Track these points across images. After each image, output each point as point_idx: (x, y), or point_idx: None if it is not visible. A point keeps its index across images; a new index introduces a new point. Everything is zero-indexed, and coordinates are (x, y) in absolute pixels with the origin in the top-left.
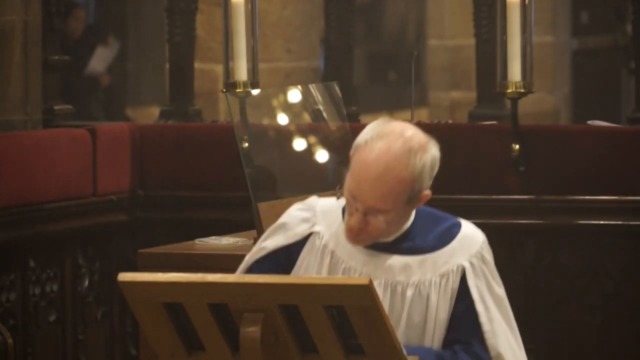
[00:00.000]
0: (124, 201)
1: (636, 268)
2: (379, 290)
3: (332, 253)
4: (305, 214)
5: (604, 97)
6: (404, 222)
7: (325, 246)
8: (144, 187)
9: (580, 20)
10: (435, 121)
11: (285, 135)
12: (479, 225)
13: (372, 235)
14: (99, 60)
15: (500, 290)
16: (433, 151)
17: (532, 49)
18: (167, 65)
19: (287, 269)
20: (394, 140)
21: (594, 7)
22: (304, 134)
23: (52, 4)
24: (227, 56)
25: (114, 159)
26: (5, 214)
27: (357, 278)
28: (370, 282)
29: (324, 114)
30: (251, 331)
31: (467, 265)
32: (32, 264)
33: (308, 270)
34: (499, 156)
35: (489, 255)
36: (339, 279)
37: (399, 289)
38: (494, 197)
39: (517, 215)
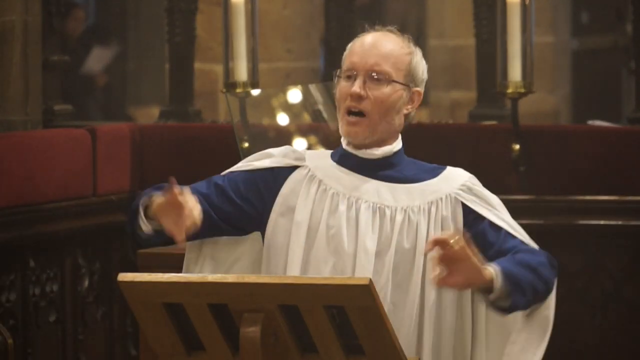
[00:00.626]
0: (124, 201)
1: (636, 268)
2: (369, 213)
3: (320, 181)
4: (293, 152)
5: (604, 97)
6: (396, 121)
7: (312, 175)
8: (144, 187)
9: (580, 20)
10: (436, 121)
11: (285, 135)
12: None
13: (369, 110)
14: (96, 61)
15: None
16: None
17: (532, 49)
18: (167, 65)
19: (271, 189)
20: (386, 31)
21: (594, 7)
22: (304, 134)
23: (52, 4)
24: (227, 56)
25: (114, 159)
26: (5, 214)
27: (357, 278)
28: (371, 282)
29: (324, 114)
30: (251, 331)
31: (458, 192)
32: (32, 264)
33: (293, 196)
34: (499, 156)
35: (478, 185)
36: (339, 279)
37: (388, 213)
38: None
39: (517, 215)
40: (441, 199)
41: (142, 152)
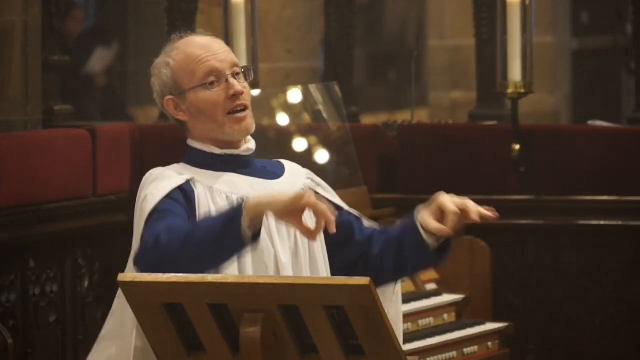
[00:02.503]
0: (124, 201)
1: (636, 268)
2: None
3: (210, 187)
4: (169, 171)
5: (604, 97)
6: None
7: (210, 187)
8: None
9: (580, 20)
10: (436, 121)
11: (285, 136)
12: (479, 225)
13: (248, 102)
14: (98, 61)
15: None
16: None
17: (532, 49)
18: None
19: (186, 208)
20: (188, 36)
21: (594, 7)
22: (304, 134)
23: (52, 4)
24: None
25: (114, 159)
26: (5, 214)
27: (357, 278)
28: (371, 282)
29: (324, 114)
30: (251, 331)
31: (308, 182)
32: (32, 264)
33: (203, 207)
34: (499, 156)
35: (313, 175)
36: (339, 279)
37: None
38: (494, 197)
39: (517, 216)
40: (302, 189)
41: (142, 152)
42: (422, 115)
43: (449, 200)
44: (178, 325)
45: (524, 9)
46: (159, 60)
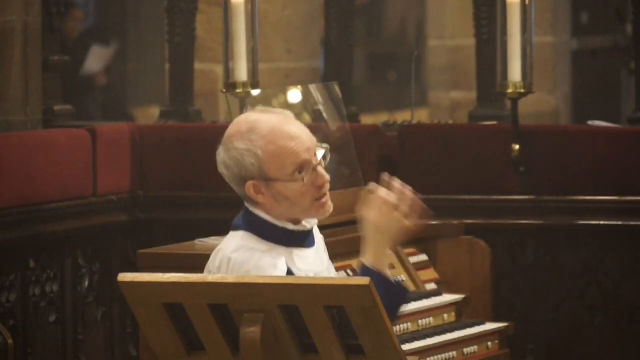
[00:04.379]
0: (124, 201)
1: (636, 268)
2: None
3: (299, 269)
4: (261, 255)
5: (604, 97)
6: None
7: (299, 269)
8: (144, 187)
9: (580, 20)
10: (436, 121)
11: None
12: (479, 225)
13: (329, 191)
14: (95, 60)
15: None
16: None
17: (532, 49)
18: (167, 66)
19: None
20: (261, 117)
21: (594, 8)
22: None
23: (52, 4)
24: (227, 56)
25: (114, 159)
26: (5, 214)
27: (357, 278)
28: (371, 282)
29: (324, 114)
30: (251, 331)
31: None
32: (32, 264)
33: None
34: (499, 157)
35: None
36: (339, 279)
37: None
38: (494, 197)
39: (517, 216)
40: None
41: (142, 152)
42: (422, 115)
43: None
44: (178, 325)
45: (524, 9)
46: (240, 146)
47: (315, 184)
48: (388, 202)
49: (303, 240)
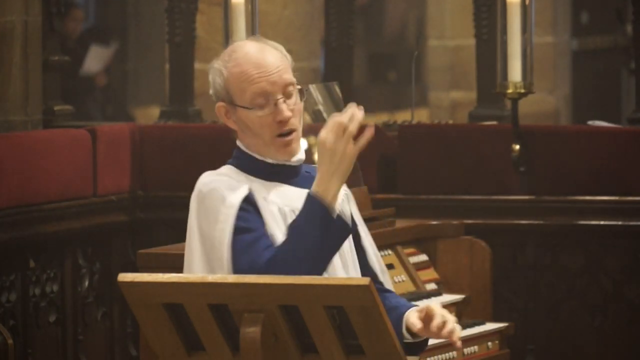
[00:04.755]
0: (124, 201)
1: (636, 268)
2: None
3: (273, 202)
4: (225, 177)
5: (604, 97)
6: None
7: (264, 198)
8: (144, 187)
9: (580, 20)
10: (436, 121)
11: None
12: (479, 225)
13: (296, 127)
14: (94, 60)
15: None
16: None
17: (532, 49)
18: (167, 66)
19: (259, 214)
20: (245, 44)
21: (594, 8)
22: (304, 134)
23: (52, 4)
24: None
25: (114, 159)
26: (5, 214)
27: (357, 278)
28: (371, 282)
29: (324, 114)
30: (251, 331)
31: (348, 192)
32: (32, 264)
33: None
34: (499, 156)
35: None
36: (339, 279)
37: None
38: (494, 197)
39: (517, 216)
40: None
41: (142, 152)
42: (422, 115)
43: (438, 309)
44: (178, 325)
45: (524, 9)
46: (215, 65)
47: (275, 119)
48: (342, 123)
49: (284, 175)
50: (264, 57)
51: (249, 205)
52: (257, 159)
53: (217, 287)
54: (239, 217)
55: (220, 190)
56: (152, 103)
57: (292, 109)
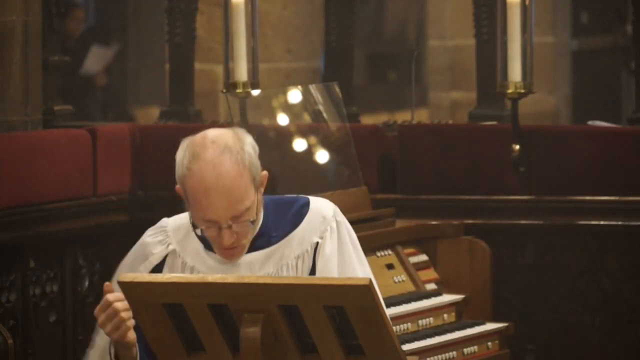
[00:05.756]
0: (124, 201)
1: (636, 268)
2: None
3: (192, 268)
4: (159, 237)
5: (604, 97)
6: (259, 209)
7: (184, 263)
8: (144, 187)
9: (580, 20)
10: (436, 121)
11: (285, 136)
12: (479, 225)
13: (244, 243)
14: (94, 60)
15: (356, 246)
16: (244, 137)
17: (532, 49)
18: (167, 66)
19: None
20: (208, 151)
21: (594, 8)
22: (304, 134)
23: (52, 4)
24: (227, 56)
25: (114, 159)
26: (5, 214)
27: (357, 278)
28: (370, 282)
29: (324, 114)
30: (251, 331)
31: (319, 240)
32: (32, 264)
33: None
34: (499, 156)
35: (340, 225)
36: (339, 279)
37: None
38: (494, 197)
39: (517, 216)
40: (307, 250)
41: (142, 152)
42: (422, 115)
43: None
44: (178, 325)
45: (524, 9)
46: (179, 155)
47: (210, 234)
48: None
49: None
50: (219, 184)
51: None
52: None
53: (217, 287)
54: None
55: (136, 253)
56: (152, 103)
57: (238, 231)
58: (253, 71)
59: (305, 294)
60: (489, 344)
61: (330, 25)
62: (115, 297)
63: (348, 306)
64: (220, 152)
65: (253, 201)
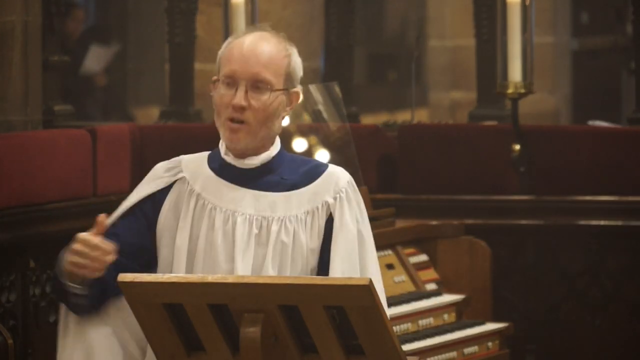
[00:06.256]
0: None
1: (636, 268)
2: (245, 225)
3: (198, 195)
4: (170, 165)
5: (604, 97)
6: (275, 126)
7: (191, 190)
8: None
9: (581, 20)
10: (436, 121)
11: (285, 136)
12: (479, 225)
13: (250, 121)
14: (94, 60)
15: (362, 227)
16: (294, 48)
17: (532, 49)
18: (167, 66)
19: (152, 218)
20: (261, 32)
21: (594, 8)
22: (304, 134)
23: (52, 4)
24: None
25: (114, 159)
26: (5, 214)
27: (357, 278)
28: (371, 282)
29: (324, 114)
30: (251, 331)
31: (331, 201)
32: (32, 264)
33: (172, 211)
34: (499, 156)
35: (354, 194)
36: (339, 279)
37: (264, 223)
38: (494, 197)
39: (517, 216)
40: (317, 207)
41: (142, 152)
42: (422, 115)
43: None
44: (178, 325)
45: (524, 9)
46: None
47: (225, 98)
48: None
49: (232, 174)
50: (254, 46)
51: (151, 204)
52: (217, 154)
53: (217, 287)
54: (118, 221)
55: (144, 181)
56: (152, 103)
57: (251, 103)
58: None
59: (305, 294)
60: (489, 344)
61: (330, 25)
62: (102, 245)
63: (348, 306)
64: (272, 34)
65: (276, 85)
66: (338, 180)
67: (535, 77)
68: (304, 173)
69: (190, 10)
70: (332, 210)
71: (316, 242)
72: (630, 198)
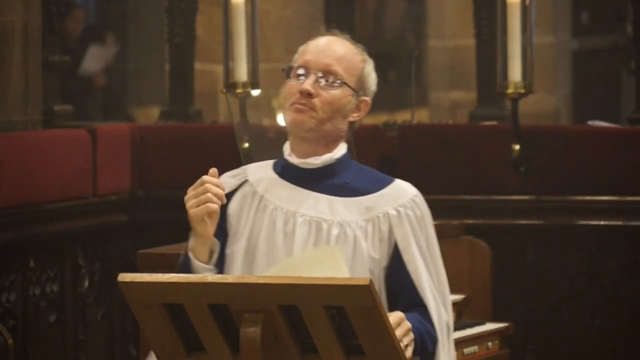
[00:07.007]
0: (124, 201)
1: (636, 268)
2: (304, 227)
3: (261, 197)
4: (235, 172)
5: (604, 97)
6: (341, 126)
7: (254, 191)
8: (144, 187)
9: (581, 20)
10: (436, 121)
11: (285, 136)
12: (479, 225)
13: (318, 107)
14: (93, 60)
15: (430, 241)
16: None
17: (532, 49)
18: (167, 66)
19: (221, 220)
20: (342, 37)
21: (594, 8)
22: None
23: (52, 4)
24: (227, 56)
25: (114, 159)
26: (5, 214)
27: (357, 278)
28: (371, 282)
29: None
30: (251, 331)
31: (393, 213)
32: (32, 264)
33: (237, 213)
34: (499, 157)
35: (420, 209)
36: (339, 279)
37: (325, 226)
38: (494, 197)
39: (517, 216)
40: (378, 217)
41: (142, 152)
42: (422, 115)
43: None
44: (178, 325)
45: (524, 9)
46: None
47: (294, 87)
48: (203, 180)
49: (294, 175)
50: (330, 42)
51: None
52: (282, 157)
53: (217, 287)
54: None
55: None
56: (152, 103)
57: (319, 92)
58: (253, 71)
59: (305, 294)
60: (489, 344)
61: (330, 25)
62: (210, 179)
63: (348, 306)
64: (348, 41)
65: (347, 82)
66: (404, 193)
67: (535, 77)
68: (369, 181)
69: (190, 10)
70: (391, 224)
71: (377, 251)
72: (630, 198)
